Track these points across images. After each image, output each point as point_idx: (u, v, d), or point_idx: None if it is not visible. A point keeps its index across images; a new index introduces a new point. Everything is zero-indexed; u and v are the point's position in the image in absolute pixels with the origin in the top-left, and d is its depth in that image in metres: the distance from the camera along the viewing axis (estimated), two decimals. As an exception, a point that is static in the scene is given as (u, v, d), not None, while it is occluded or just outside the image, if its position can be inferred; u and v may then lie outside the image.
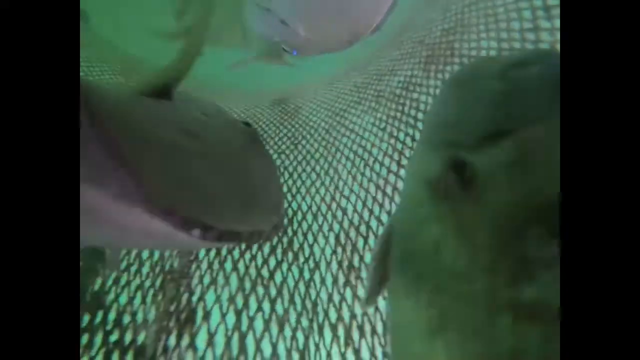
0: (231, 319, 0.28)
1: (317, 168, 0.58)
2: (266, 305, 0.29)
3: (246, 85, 0.93)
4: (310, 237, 0.41)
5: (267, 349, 0.26)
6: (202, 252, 0.34)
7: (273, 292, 0.31)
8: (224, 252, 0.34)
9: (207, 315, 0.27)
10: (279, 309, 0.29)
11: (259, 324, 0.28)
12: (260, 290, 0.30)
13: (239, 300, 0.29)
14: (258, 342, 0.26)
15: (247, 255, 0.34)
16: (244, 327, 0.27)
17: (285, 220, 0.44)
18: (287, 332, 0.28)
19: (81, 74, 0.64)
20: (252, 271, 0.33)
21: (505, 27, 0.45)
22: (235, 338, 0.26)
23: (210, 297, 0.29)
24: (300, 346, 0.27)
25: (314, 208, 0.47)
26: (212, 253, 0.34)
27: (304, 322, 0.29)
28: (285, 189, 0.52)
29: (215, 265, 0.32)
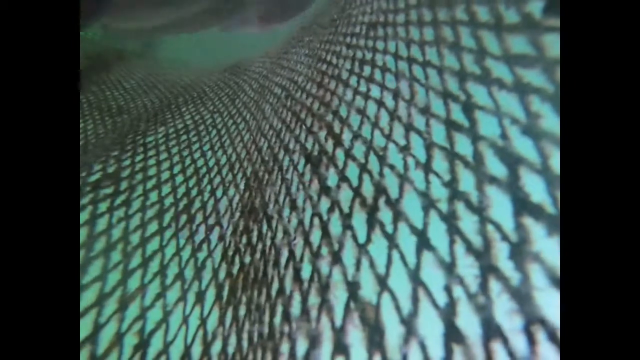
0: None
1: (248, 116, 0.50)
2: (114, 277, 0.22)
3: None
4: (219, 192, 0.34)
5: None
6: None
7: (136, 261, 0.24)
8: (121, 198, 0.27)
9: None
10: (133, 284, 0.22)
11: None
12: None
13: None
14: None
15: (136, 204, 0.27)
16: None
17: (194, 180, 0.37)
18: (134, 310, 0.21)
19: None
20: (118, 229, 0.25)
21: None
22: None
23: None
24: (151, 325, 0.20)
25: (234, 158, 0.40)
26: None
27: (172, 296, 0.22)
28: (207, 147, 0.45)
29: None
